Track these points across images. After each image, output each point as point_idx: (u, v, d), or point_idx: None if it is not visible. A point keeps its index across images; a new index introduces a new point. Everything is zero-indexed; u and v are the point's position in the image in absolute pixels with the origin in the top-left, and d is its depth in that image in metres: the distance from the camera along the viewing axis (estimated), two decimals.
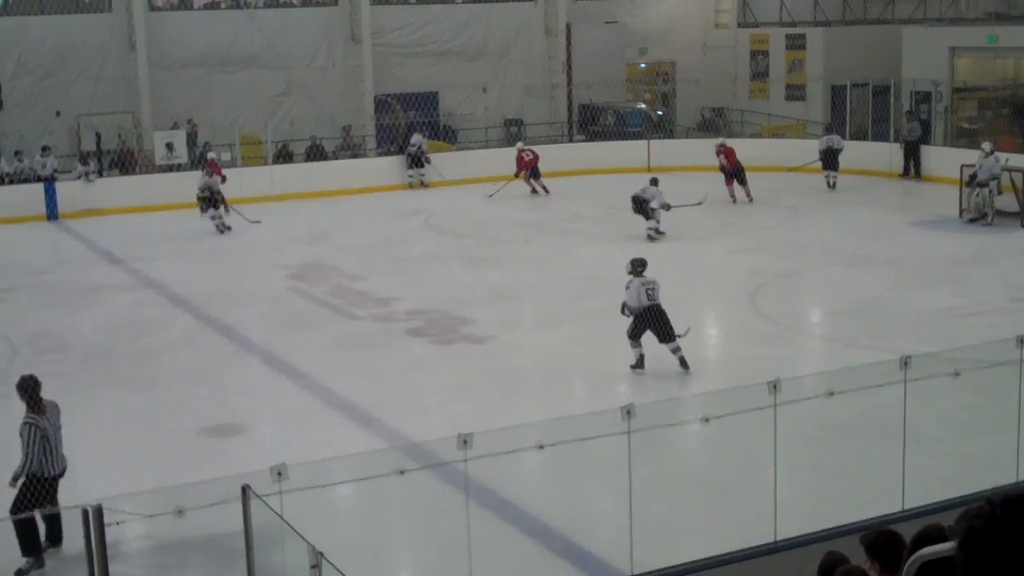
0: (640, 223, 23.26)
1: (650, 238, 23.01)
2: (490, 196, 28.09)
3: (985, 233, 23.37)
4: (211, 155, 28.11)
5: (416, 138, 31.16)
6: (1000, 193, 23.97)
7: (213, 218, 24.97)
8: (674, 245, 23.12)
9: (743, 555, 8.63)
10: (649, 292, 15.04)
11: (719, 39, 41.60)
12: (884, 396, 9.53)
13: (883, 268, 20.84)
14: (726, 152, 27.61)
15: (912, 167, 29.86)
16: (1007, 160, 24.39)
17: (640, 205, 23.45)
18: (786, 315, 18.12)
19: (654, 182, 23.89)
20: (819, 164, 28.79)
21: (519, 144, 30.74)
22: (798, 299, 19.63)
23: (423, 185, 30.72)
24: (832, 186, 28.32)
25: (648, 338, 15.00)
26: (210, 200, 25.07)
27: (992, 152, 24.26)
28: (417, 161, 30.82)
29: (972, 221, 24.05)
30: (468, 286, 20.30)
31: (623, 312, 15.17)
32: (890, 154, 30.45)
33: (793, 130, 36.22)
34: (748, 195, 27.13)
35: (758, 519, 9.04)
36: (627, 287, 15.23)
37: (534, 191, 29.53)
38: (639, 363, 15.18)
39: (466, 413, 13.38)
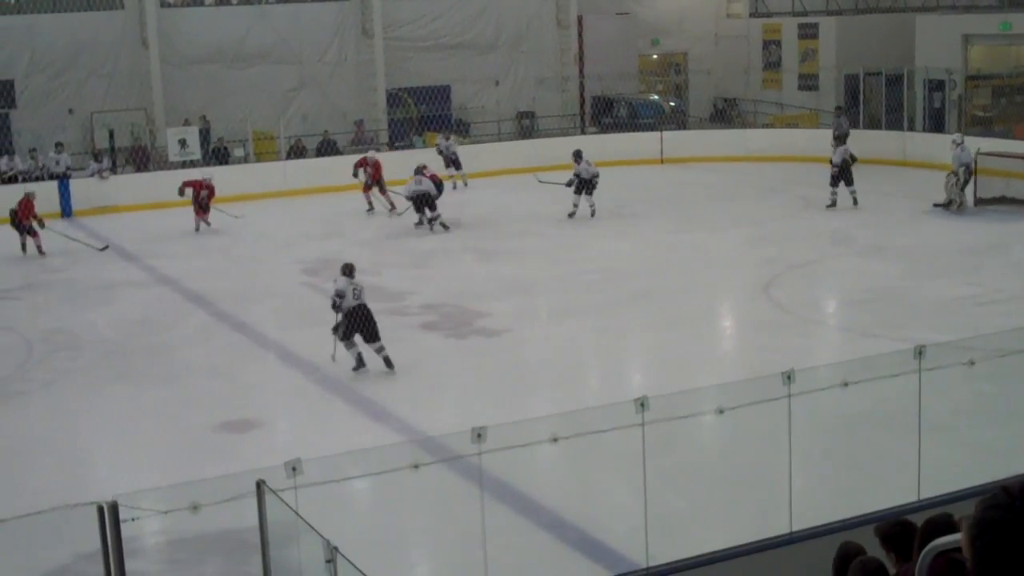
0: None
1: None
2: (541, 182, 27.14)
3: (1000, 221, 23.30)
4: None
5: (440, 141, 30.56)
6: (967, 181, 24.08)
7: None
8: (689, 236, 23.11)
9: (758, 546, 8.61)
10: (356, 292, 15.28)
11: (731, 29, 41.49)
12: (899, 386, 9.49)
13: (897, 257, 20.79)
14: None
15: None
16: (978, 149, 24.45)
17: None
18: (800, 305, 18.09)
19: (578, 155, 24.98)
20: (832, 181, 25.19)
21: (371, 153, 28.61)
22: (812, 289, 19.59)
23: (465, 184, 29.87)
24: (857, 203, 24.86)
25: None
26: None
27: (961, 143, 24.35)
28: (453, 163, 29.93)
29: (936, 206, 24.20)
30: (482, 279, 20.29)
31: (334, 308, 15.30)
32: (904, 142, 30.37)
33: (806, 120, 36.12)
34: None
35: (773, 510, 9.01)
36: (335, 282, 15.56)
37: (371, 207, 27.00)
38: (359, 363, 15.26)
39: (480, 406, 13.40)
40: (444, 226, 24.31)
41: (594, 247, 22.47)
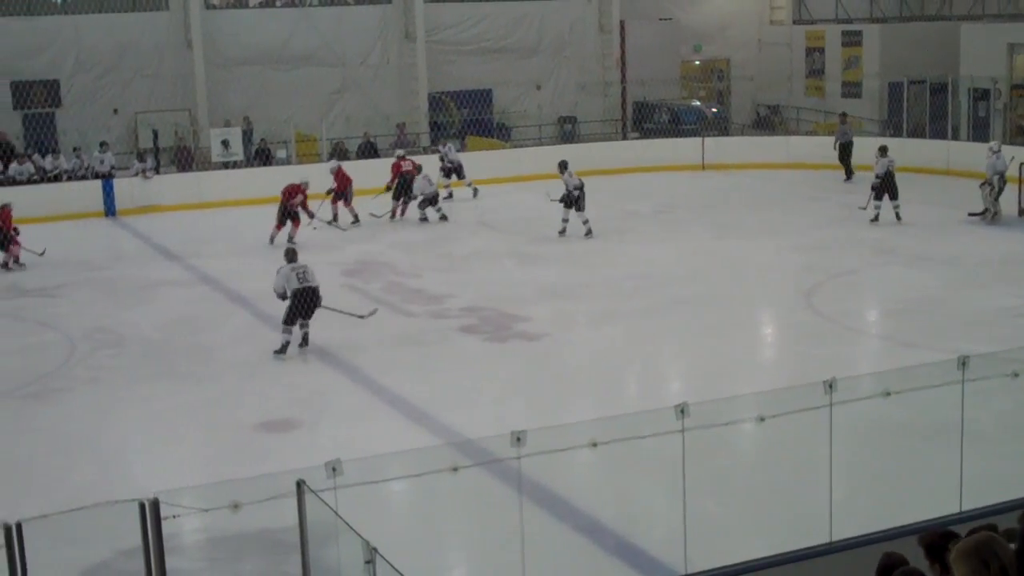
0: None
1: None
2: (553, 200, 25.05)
3: None
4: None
5: (441, 148, 29.93)
6: (1001, 190, 23.78)
7: None
8: (730, 243, 23.03)
9: (798, 555, 8.55)
10: (299, 275, 16.13)
11: (774, 36, 41.37)
12: (941, 396, 9.42)
13: (939, 267, 20.64)
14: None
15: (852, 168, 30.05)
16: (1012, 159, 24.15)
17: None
18: (841, 314, 17.98)
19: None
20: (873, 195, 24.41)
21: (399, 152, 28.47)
22: (853, 298, 19.47)
23: (475, 193, 29.05)
24: (900, 218, 24.06)
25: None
26: None
27: (997, 151, 24.05)
28: (455, 171, 29.11)
29: (972, 215, 23.96)
30: (521, 284, 20.29)
31: (280, 298, 16.22)
32: (948, 152, 30.16)
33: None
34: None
35: (813, 519, 8.97)
36: (277, 272, 16.40)
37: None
38: (283, 349, 16.04)
39: (519, 410, 13.39)
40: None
41: (634, 253, 22.42)
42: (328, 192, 25.77)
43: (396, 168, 26.93)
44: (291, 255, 16.74)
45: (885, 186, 24.11)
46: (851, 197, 26.60)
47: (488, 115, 36.55)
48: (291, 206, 23.76)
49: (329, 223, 25.19)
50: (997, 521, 6.51)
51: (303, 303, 16.08)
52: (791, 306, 18.58)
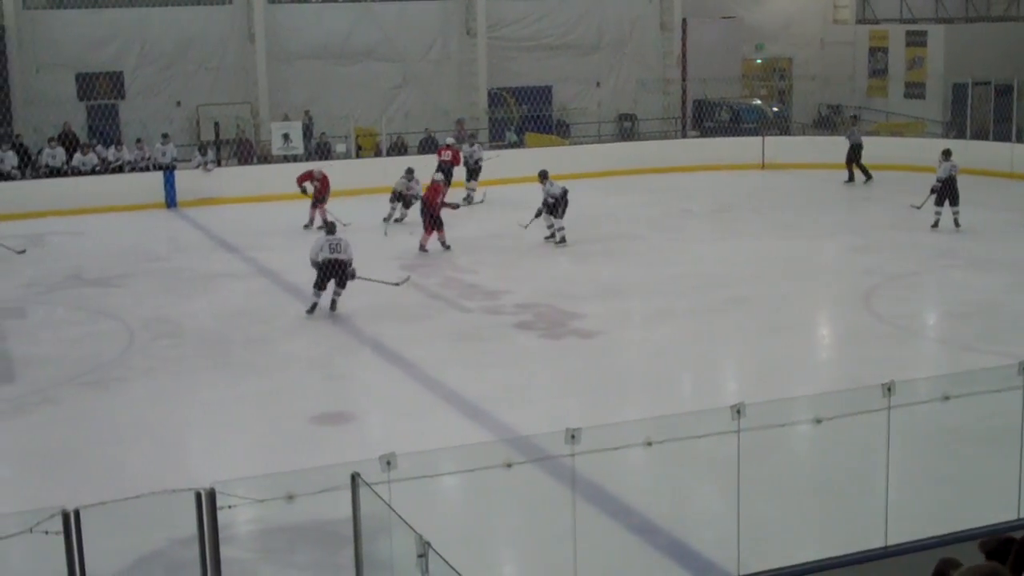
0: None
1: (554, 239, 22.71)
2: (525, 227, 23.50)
3: None
4: None
5: (465, 148, 28.68)
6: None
7: None
8: (788, 243, 22.88)
9: (853, 559, 8.49)
10: (332, 246, 17.93)
11: (837, 35, 41.06)
12: (1001, 401, 9.31)
13: (1001, 270, 20.39)
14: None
15: (853, 171, 29.95)
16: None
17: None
18: (900, 316, 17.82)
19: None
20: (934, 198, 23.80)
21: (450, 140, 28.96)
22: (913, 300, 19.28)
23: (469, 202, 27.40)
24: (958, 225, 23.47)
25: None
26: None
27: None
28: (472, 172, 28.18)
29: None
30: (578, 281, 20.26)
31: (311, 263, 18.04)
32: (1012, 154, 29.81)
33: (912, 128, 35.59)
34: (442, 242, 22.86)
35: (869, 523, 8.89)
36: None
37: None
38: (312, 309, 17.93)
39: (574, 408, 13.38)
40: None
41: (692, 251, 22.34)
42: (316, 199, 25.07)
43: (438, 155, 27.71)
44: (331, 228, 18.78)
45: (946, 191, 23.46)
46: (912, 199, 26.32)
47: (547, 112, 36.54)
48: (435, 208, 22.61)
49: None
50: None
51: (328, 273, 17.82)
52: (849, 308, 18.44)
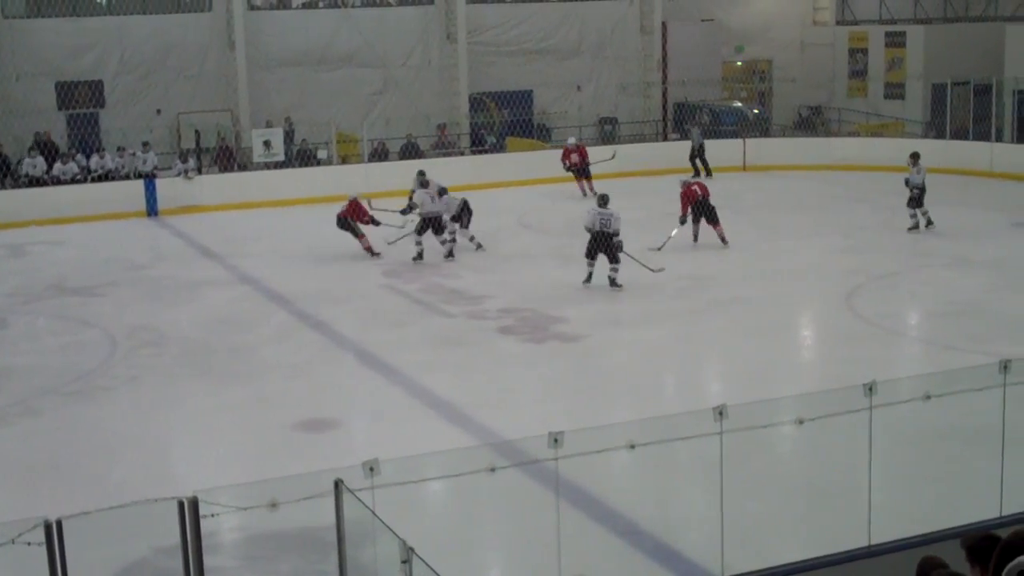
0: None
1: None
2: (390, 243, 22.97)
3: None
4: None
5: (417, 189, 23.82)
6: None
7: None
8: (770, 245, 22.93)
9: (836, 559, 8.51)
10: (602, 221, 19.26)
11: (817, 37, 41.16)
12: (983, 400, 9.35)
13: (983, 270, 20.47)
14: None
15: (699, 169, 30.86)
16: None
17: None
18: (882, 316, 17.87)
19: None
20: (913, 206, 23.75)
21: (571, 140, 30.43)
22: (895, 300, 19.33)
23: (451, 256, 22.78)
24: (932, 223, 23.64)
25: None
26: None
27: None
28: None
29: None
30: (560, 285, 20.25)
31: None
32: (991, 154, 29.93)
33: (891, 129, 35.71)
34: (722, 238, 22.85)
35: (852, 523, 8.91)
36: (588, 212, 19.92)
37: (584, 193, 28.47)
38: (588, 279, 19.59)
39: (557, 411, 13.36)
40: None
41: (674, 254, 22.33)
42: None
43: (566, 158, 29.37)
44: (603, 200, 19.94)
45: (923, 194, 23.55)
46: (893, 200, 26.39)
47: (528, 116, 36.58)
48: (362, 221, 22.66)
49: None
50: None
51: (597, 244, 19.42)
52: (831, 308, 18.48)
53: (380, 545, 7.10)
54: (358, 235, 22.73)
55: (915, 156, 23.69)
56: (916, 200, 23.60)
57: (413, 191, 23.55)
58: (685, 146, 33.02)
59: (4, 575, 8.86)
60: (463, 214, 22.81)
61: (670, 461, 10.48)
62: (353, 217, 22.73)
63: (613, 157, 29.97)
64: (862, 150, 31.40)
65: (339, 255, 23.05)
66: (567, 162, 29.45)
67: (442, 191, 22.28)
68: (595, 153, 30.11)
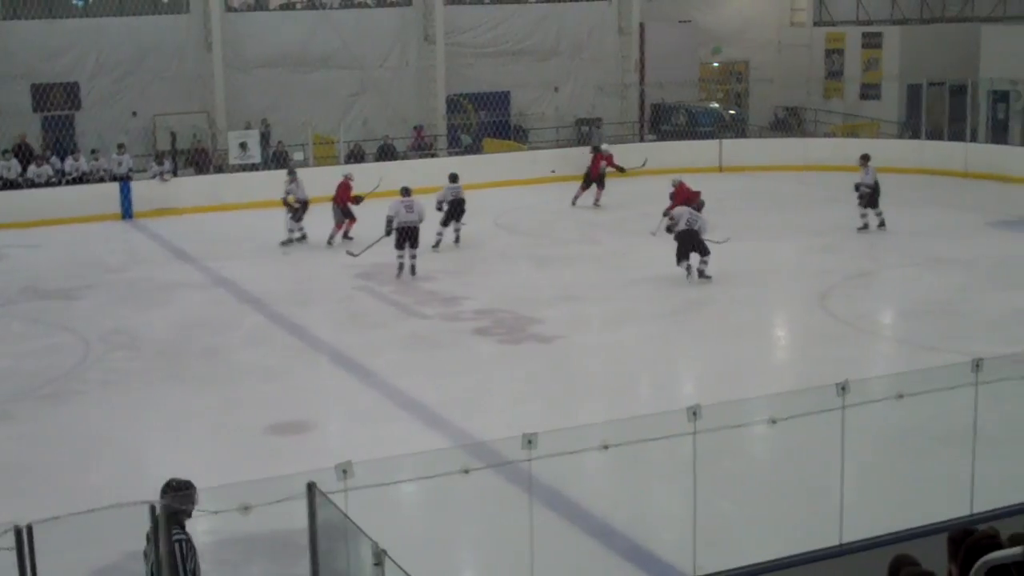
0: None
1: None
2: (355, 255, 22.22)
3: None
4: None
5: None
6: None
7: None
8: (746, 245, 22.96)
9: (808, 557, 8.53)
10: (690, 220, 19.89)
11: (794, 38, 41.24)
12: (955, 399, 9.38)
13: (956, 269, 20.57)
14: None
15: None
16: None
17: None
18: (856, 316, 17.93)
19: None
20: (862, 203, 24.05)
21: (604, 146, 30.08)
22: (869, 300, 19.42)
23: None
24: (884, 225, 23.85)
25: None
26: None
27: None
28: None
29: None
30: (536, 286, 20.28)
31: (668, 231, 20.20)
32: (966, 154, 30.06)
33: (867, 129, 35.82)
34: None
35: (824, 521, 8.93)
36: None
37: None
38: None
39: (531, 413, 13.38)
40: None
41: (650, 255, 22.35)
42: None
43: (598, 164, 28.52)
44: (699, 205, 20.97)
45: (875, 195, 23.68)
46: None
47: (505, 117, 36.57)
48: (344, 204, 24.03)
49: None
50: (1006, 524, 6.47)
51: (686, 241, 19.86)
52: (806, 308, 18.54)
53: (353, 548, 7.09)
54: (352, 218, 23.75)
55: (865, 158, 23.95)
56: (867, 200, 23.77)
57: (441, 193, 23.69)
58: (664, 146, 33.12)
59: None
60: (452, 214, 23.28)
61: (643, 461, 10.49)
62: (342, 201, 23.73)
63: (644, 164, 29.82)
64: (838, 150, 31.44)
65: (313, 258, 23.02)
66: (603, 164, 28.53)
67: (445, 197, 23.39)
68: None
